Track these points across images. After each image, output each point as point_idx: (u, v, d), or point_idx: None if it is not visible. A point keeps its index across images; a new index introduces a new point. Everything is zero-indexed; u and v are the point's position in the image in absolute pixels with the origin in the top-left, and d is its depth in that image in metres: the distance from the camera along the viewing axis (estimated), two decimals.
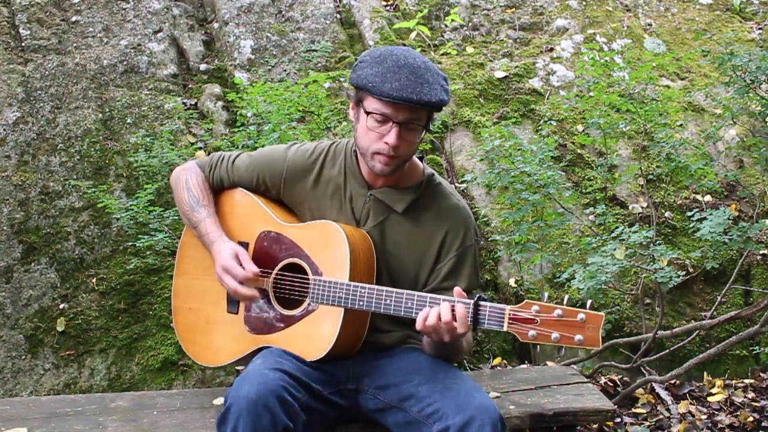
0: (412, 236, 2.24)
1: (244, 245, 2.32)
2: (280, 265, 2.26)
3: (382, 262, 2.24)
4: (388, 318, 2.25)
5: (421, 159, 2.34)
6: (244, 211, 2.37)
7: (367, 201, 2.26)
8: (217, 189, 2.43)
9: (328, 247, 2.17)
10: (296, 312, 2.20)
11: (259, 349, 2.24)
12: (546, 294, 1.95)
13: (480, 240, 2.46)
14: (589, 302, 1.91)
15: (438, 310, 1.97)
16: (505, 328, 1.93)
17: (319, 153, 2.34)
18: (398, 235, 2.25)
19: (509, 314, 1.92)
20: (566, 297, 1.94)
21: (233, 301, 2.33)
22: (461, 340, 2.13)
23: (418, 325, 2.00)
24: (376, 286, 2.09)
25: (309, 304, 2.18)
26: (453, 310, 1.96)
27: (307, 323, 2.18)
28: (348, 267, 2.12)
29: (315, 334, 2.16)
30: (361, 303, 2.09)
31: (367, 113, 2.10)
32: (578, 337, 1.86)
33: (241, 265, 2.20)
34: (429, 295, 2.04)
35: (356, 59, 2.19)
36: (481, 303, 1.96)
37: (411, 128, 2.10)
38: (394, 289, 2.07)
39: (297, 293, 2.22)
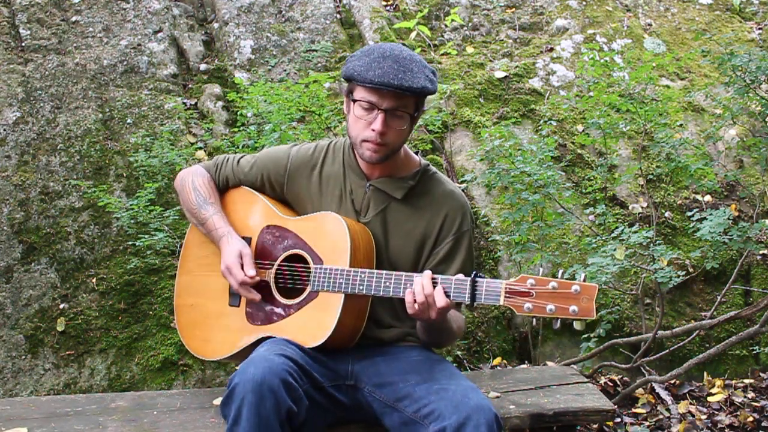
0: (411, 222, 2.30)
1: (247, 240, 2.37)
2: (282, 257, 2.29)
3: (383, 249, 2.28)
4: (390, 312, 2.29)
5: (416, 153, 2.40)
6: (247, 208, 2.41)
7: (366, 192, 2.31)
8: (222, 188, 2.49)
9: (328, 236, 2.21)
10: (297, 301, 2.24)
11: (260, 341, 2.25)
12: (541, 269, 1.98)
13: (475, 227, 2.51)
14: (582, 274, 1.94)
15: (421, 282, 2.03)
16: (501, 302, 1.97)
17: (320, 151, 2.40)
18: (399, 221, 2.30)
19: (505, 288, 1.96)
20: (561, 271, 1.97)
21: (235, 295, 2.35)
22: (450, 323, 2.19)
23: (409, 308, 2.05)
24: (376, 270, 2.14)
25: (310, 293, 2.21)
26: (434, 282, 2.03)
27: (307, 311, 2.21)
28: (349, 254, 2.15)
29: (315, 320, 2.18)
30: (361, 287, 2.12)
31: (354, 101, 2.17)
32: (573, 308, 1.89)
33: (243, 266, 2.25)
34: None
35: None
36: (478, 279, 2.01)
37: (397, 115, 2.16)
38: (393, 272, 2.12)
39: (298, 283, 2.25)
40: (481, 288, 2.00)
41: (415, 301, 2.04)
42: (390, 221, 2.30)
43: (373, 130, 2.14)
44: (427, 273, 2.05)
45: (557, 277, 1.94)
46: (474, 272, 2.02)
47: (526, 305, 1.93)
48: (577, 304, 1.89)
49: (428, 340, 2.27)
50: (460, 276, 2.05)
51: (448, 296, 2.02)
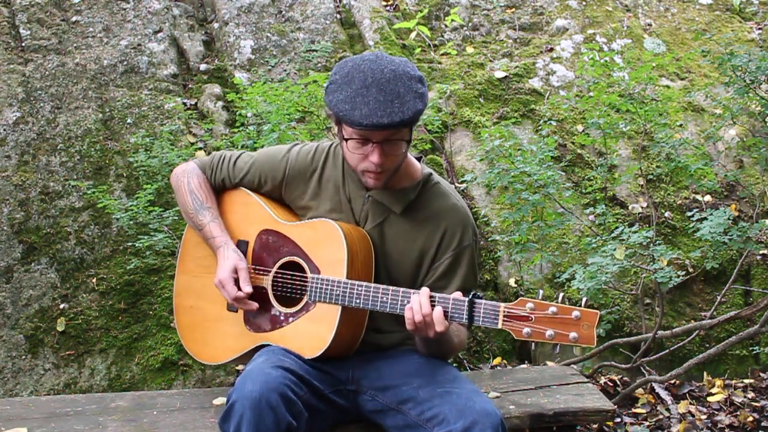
0: (410, 236, 2.25)
1: (244, 243, 2.34)
2: (278, 264, 2.27)
3: (381, 262, 2.25)
4: (389, 318, 2.26)
5: (419, 159, 2.35)
6: (245, 210, 2.38)
7: (365, 202, 2.27)
8: (219, 189, 2.45)
9: (326, 245, 2.18)
10: (294, 310, 2.22)
11: (258, 347, 2.24)
12: (541, 292, 1.96)
13: (479, 240, 2.46)
14: (584, 299, 1.92)
15: (419, 300, 1.99)
16: (499, 326, 1.93)
17: (320, 154, 2.35)
18: (397, 235, 2.26)
19: (504, 312, 1.93)
20: (561, 294, 1.94)
21: None
22: (450, 336, 2.15)
23: (408, 324, 2.02)
24: (373, 284, 2.10)
25: (307, 302, 2.19)
26: (432, 301, 1.99)
27: (305, 321, 2.19)
28: (345, 265, 2.13)
29: (313, 332, 2.17)
30: (357, 301, 2.10)
31: (346, 139, 2.11)
32: (573, 334, 1.85)
33: (238, 281, 2.23)
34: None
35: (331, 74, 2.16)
36: (476, 300, 1.97)
37: (393, 143, 2.09)
38: (390, 287, 2.09)
39: (295, 291, 2.23)
40: (479, 310, 1.96)
41: (413, 318, 2.01)
42: (388, 234, 2.25)
43: (372, 162, 2.09)
44: (425, 291, 2.02)
45: (557, 301, 1.90)
46: (472, 292, 1.99)
47: (525, 330, 1.89)
48: (577, 331, 1.85)
49: (428, 353, 2.24)
50: (458, 295, 2.01)
51: (446, 316, 1.99)
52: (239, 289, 2.23)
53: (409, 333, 2.27)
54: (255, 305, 2.24)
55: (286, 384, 1.95)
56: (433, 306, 2.00)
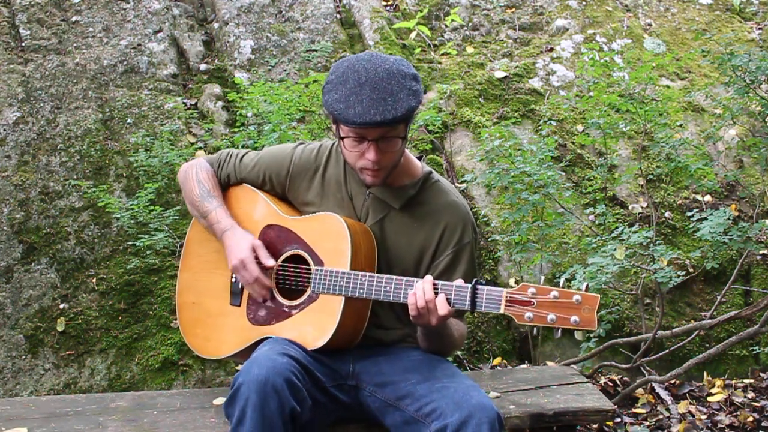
0: (410, 233, 2.28)
1: None
2: (282, 257, 2.29)
3: (382, 258, 2.27)
4: (391, 316, 2.29)
5: (419, 158, 2.38)
6: (249, 206, 2.41)
7: (366, 199, 2.30)
8: (224, 185, 2.48)
9: (329, 237, 2.21)
10: (298, 302, 2.24)
11: (260, 341, 2.25)
12: (543, 278, 1.98)
13: (479, 237, 2.48)
14: (584, 284, 1.94)
15: (422, 287, 2.02)
16: (502, 311, 1.96)
17: (323, 152, 2.39)
18: (397, 231, 2.28)
19: (506, 296, 1.95)
20: (562, 279, 1.95)
21: (236, 294, 2.35)
22: (451, 329, 2.18)
23: (411, 310, 2.04)
24: (377, 274, 2.13)
25: (310, 294, 2.21)
26: (435, 288, 2.02)
27: (308, 313, 2.21)
28: (349, 257, 2.15)
29: (316, 322, 2.18)
30: (361, 291, 2.12)
31: (342, 138, 2.14)
32: (574, 318, 1.88)
33: (258, 259, 2.24)
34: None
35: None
36: (479, 286, 2.00)
37: (388, 140, 2.12)
38: (394, 276, 2.11)
39: (299, 284, 2.25)
40: (482, 295, 1.99)
41: (416, 304, 2.03)
42: (389, 231, 2.28)
43: (369, 159, 2.12)
44: (428, 278, 2.05)
45: (558, 286, 1.93)
46: (475, 279, 2.01)
47: (527, 314, 1.92)
48: (578, 315, 1.88)
49: (429, 347, 2.27)
50: (461, 282, 2.03)
51: (449, 303, 2.02)
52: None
53: (410, 331, 2.30)
54: (272, 285, 2.25)
55: (291, 370, 1.97)
56: (436, 293, 2.02)
